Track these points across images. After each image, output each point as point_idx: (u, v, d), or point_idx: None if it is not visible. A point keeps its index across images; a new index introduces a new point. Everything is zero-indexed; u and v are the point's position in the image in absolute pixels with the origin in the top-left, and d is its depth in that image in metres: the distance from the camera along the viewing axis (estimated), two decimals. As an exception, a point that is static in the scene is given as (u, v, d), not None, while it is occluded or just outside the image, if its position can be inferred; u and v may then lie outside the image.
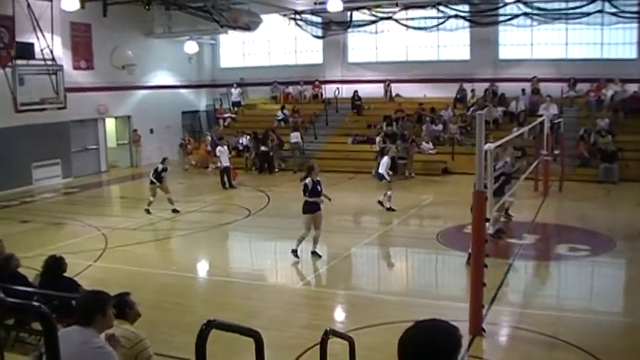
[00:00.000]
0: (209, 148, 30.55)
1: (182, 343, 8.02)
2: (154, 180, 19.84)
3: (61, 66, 25.38)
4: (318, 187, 14.08)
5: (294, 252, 14.11)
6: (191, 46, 34.13)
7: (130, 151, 32.27)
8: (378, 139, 27.23)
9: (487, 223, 11.05)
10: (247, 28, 30.48)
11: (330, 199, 14.55)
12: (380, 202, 19.74)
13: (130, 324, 6.02)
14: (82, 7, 25.85)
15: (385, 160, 19.71)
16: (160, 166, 19.97)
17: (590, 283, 13.51)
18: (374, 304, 11.50)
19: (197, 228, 17.94)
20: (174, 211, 19.78)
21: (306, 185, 13.92)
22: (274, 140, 30.09)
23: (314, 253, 14.27)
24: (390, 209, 19.50)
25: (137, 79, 31.80)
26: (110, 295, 5.50)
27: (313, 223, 13.99)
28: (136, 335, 5.85)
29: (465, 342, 9.01)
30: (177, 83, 35.11)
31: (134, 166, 31.72)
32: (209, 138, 31.26)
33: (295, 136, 30.64)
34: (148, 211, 19.63)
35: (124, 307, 6.03)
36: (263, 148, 29.63)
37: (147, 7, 29.16)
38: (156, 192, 19.90)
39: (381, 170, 19.57)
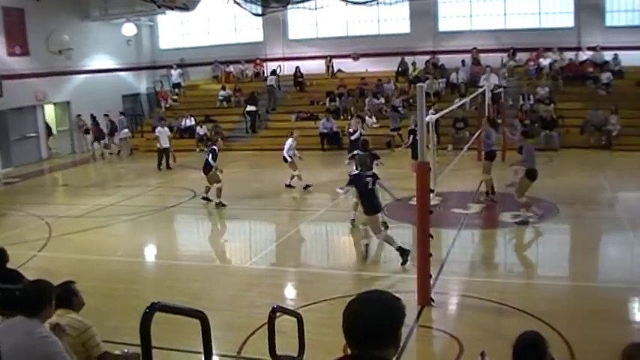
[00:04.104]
0: None
1: (131, 328, 7.79)
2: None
3: (-5, 53, 24.75)
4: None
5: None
6: (129, 28, 33.59)
7: (70, 137, 31.66)
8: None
9: (431, 194, 11.16)
10: (185, 7, 30.14)
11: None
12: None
13: (75, 312, 5.93)
14: (14, -9, 25.32)
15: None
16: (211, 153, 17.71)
17: (535, 249, 13.80)
18: (323, 279, 11.56)
19: (142, 212, 17.72)
20: (211, 201, 17.88)
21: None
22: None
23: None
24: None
25: (75, 63, 31.10)
26: (54, 285, 5.42)
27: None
28: (83, 324, 5.76)
29: (414, 312, 9.13)
30: (117, 66, 34.45)
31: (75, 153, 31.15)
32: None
33: (270, 80, 31.78)
34: (222, 204, 17.62)
35: (70, 295, 5.94)
36: (251, 107, 30.00)
37: (82, -11, 28.69)
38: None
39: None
